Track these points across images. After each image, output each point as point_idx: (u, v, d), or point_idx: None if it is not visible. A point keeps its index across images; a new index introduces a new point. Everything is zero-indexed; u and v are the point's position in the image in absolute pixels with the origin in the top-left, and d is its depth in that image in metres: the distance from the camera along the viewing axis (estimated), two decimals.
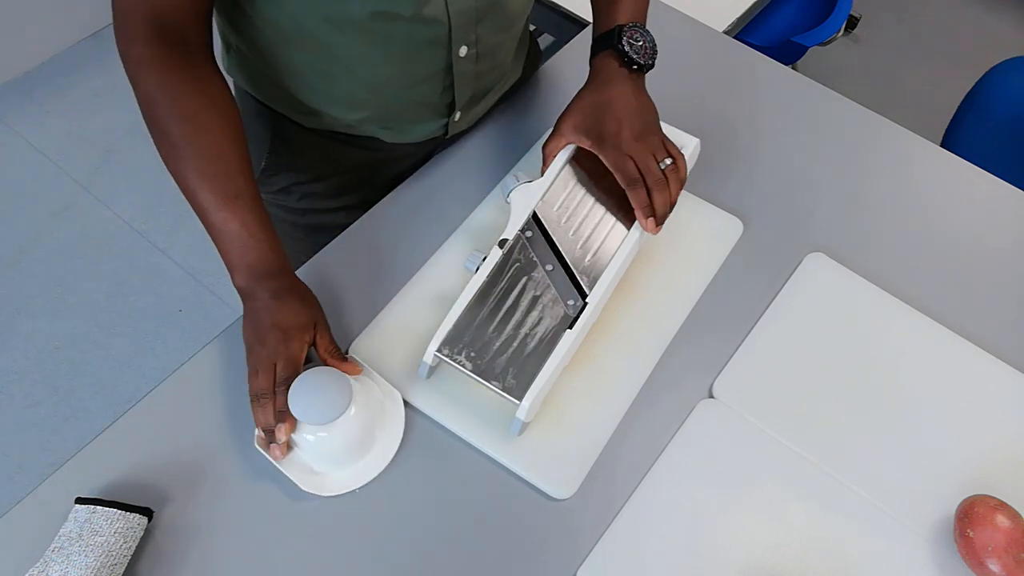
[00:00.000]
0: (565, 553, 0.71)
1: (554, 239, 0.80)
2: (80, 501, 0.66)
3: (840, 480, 0.76)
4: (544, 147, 0.83)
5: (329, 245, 0.88)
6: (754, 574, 0.70)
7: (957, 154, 1.03)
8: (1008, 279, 0.92)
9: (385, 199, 0.91)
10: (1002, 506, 0.70)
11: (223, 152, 0.72)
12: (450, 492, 0.73)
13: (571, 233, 0.80)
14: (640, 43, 0.80)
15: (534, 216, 0.80)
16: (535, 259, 0.78)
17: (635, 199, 0.77)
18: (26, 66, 2.26)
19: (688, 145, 0.85)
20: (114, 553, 0.64)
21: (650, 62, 0.81)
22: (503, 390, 0.72)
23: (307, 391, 0.68)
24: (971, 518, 0.70)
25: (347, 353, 0.79)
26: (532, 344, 0.74)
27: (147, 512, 0.68)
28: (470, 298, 0.76)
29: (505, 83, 0.98)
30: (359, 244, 0.88)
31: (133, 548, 0.66)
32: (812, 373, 0.82)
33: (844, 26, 1.78)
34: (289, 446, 0.72)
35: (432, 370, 0.76)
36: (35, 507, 0.70)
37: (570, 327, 0.75)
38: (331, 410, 0.68)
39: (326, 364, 0.73)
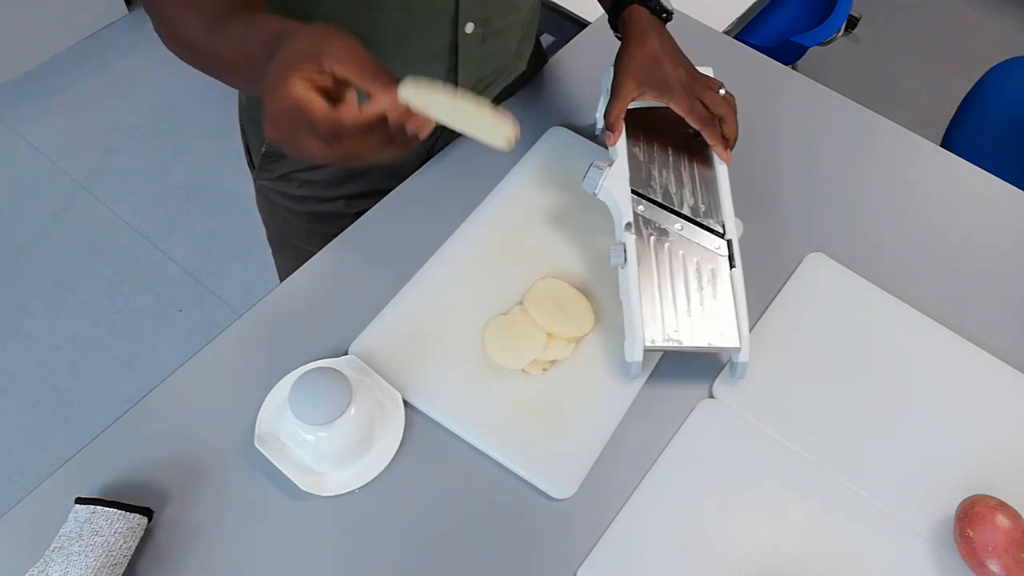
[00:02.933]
0: (565, 553, 0.71)
1: (663, 201, 0.83)
2: (80, 501, 0.66)
3: (840, 480, 0.76)
4: (608, 115, 0.82)
5: (329, 245, 0.87)
6: (754, 574, 0.70)
7: (957, 154, 1.03)
8: (1008, 279, 0.92)
9: (385, 198, 0.91)
10: (1002, 506, 0.70)
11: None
12: (450, 492, 0.73)
13: (671, 189, 0.83)
14: None
15: (633, 191, 0.82)
16: (662, 226, 0.81)
17: (712, 137, 0.82)
18: (26, 66, 2.26)
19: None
20: (114, 553, 0.64)
21: (672, 9, 0.85)
22: (718, 345, 0.76)
23: (307, 391, 0.68)
24: (971, 518, 0.70)
25: (347, 353, 0.79)
26: (710, 295, 0.78)
27: (147, 512, 0.68)
28: (639, 287, 0.77)
29: (508, 76, 0.98)
30: (359, 243, 0.88)
31: (133, 548, 0.66)
32: (812, 373, 0.82)
33: (844, 26, 1.78)
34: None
35: (640, 365, 0.77)
36: (35, 507, 0.70)
37: (732, 266, 0.80)
38: (331, 410, 0.68)
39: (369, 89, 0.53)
